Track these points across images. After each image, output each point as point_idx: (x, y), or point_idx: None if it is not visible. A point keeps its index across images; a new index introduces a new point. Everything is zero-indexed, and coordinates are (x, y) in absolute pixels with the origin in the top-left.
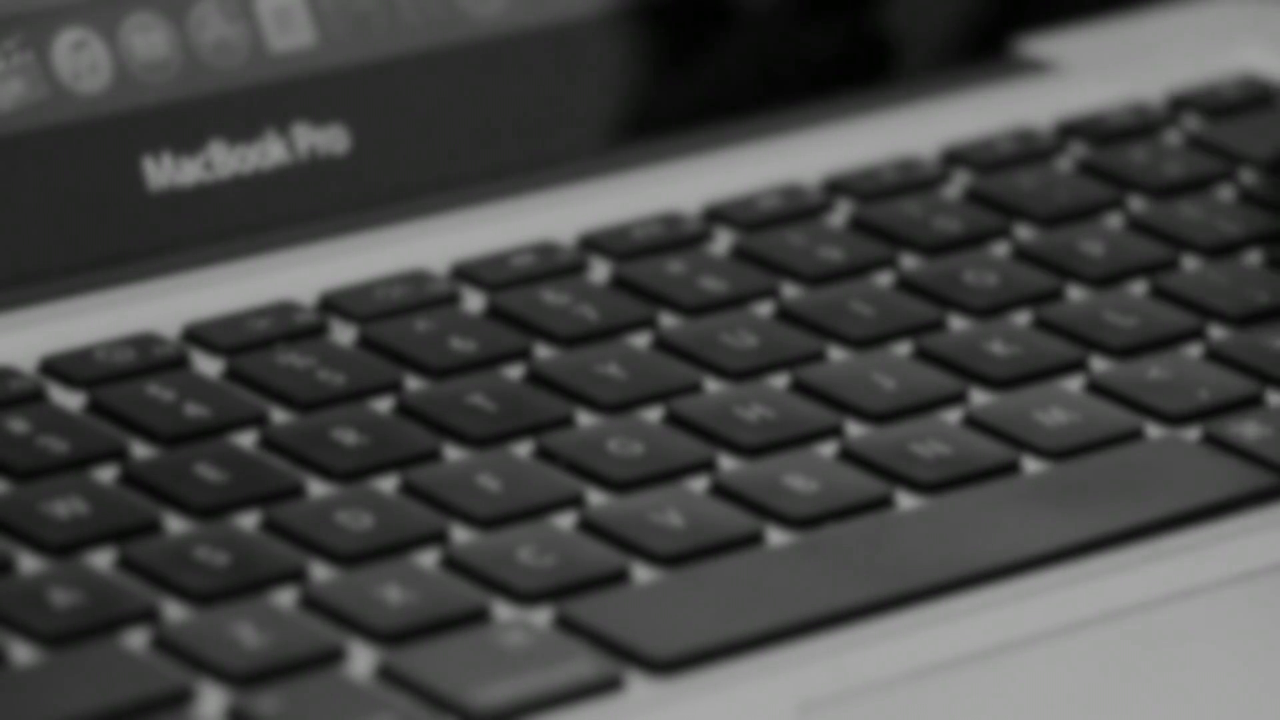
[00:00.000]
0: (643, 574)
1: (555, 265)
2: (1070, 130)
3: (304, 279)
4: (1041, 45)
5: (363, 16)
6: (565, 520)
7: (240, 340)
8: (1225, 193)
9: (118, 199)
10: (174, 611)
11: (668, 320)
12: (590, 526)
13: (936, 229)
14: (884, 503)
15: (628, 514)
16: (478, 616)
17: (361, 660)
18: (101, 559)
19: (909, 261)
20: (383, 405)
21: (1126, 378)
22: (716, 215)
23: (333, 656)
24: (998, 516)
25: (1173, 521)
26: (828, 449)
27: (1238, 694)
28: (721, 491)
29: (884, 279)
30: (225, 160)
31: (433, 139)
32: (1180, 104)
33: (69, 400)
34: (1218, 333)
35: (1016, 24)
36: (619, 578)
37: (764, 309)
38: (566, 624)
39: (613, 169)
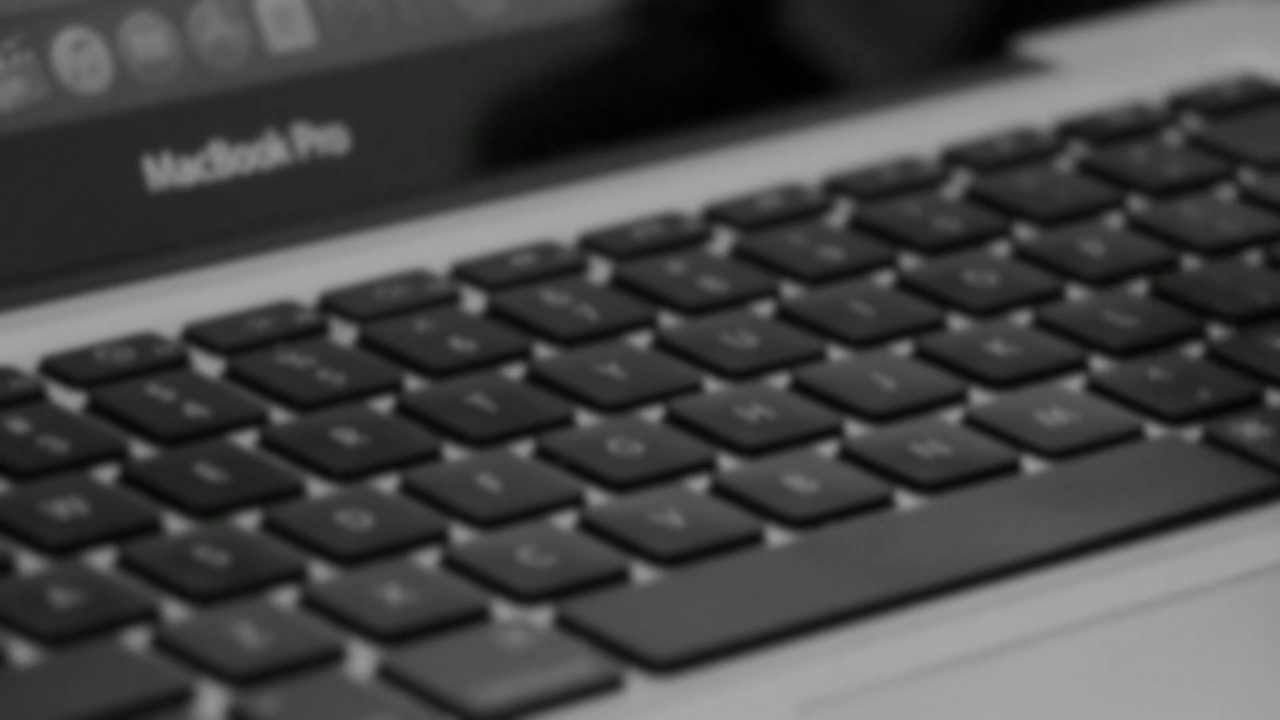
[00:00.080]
0: (643, 574)
1: (555, 265)
2: (1070, 130)
3: (304, 279)
4: (1041, 45)
5: (363, 16)
6: (565, 520)
7: (240, 340)
8: (1225, 193)
9: (118, 199)
10: (174, 611)
11: (668, 320)
12: (590, 526)
13: (936, 229)
14: (884, 503)
15: (628, 514)
16: (478, 616)
17: (361, 660)
18: (101, 559)
19: (909, 261)
20: (383, 405)
21: (1126, 378)
22: (716, 215)
23: (333, 656)
24: (998, 516)
25: (1173, 521)
26: (828, 449)
27: (1238, 694)
28: (721, 491)
29: (884, 279)
30: (225, 160)
31: (433, 139)
32: (1180, 104)
33: (69, 400)
34: (1218, 333)
35: (1016, 24)
36: (619, 578)
37: (764, 309)
38: (566, 624)
39: (613, 169)
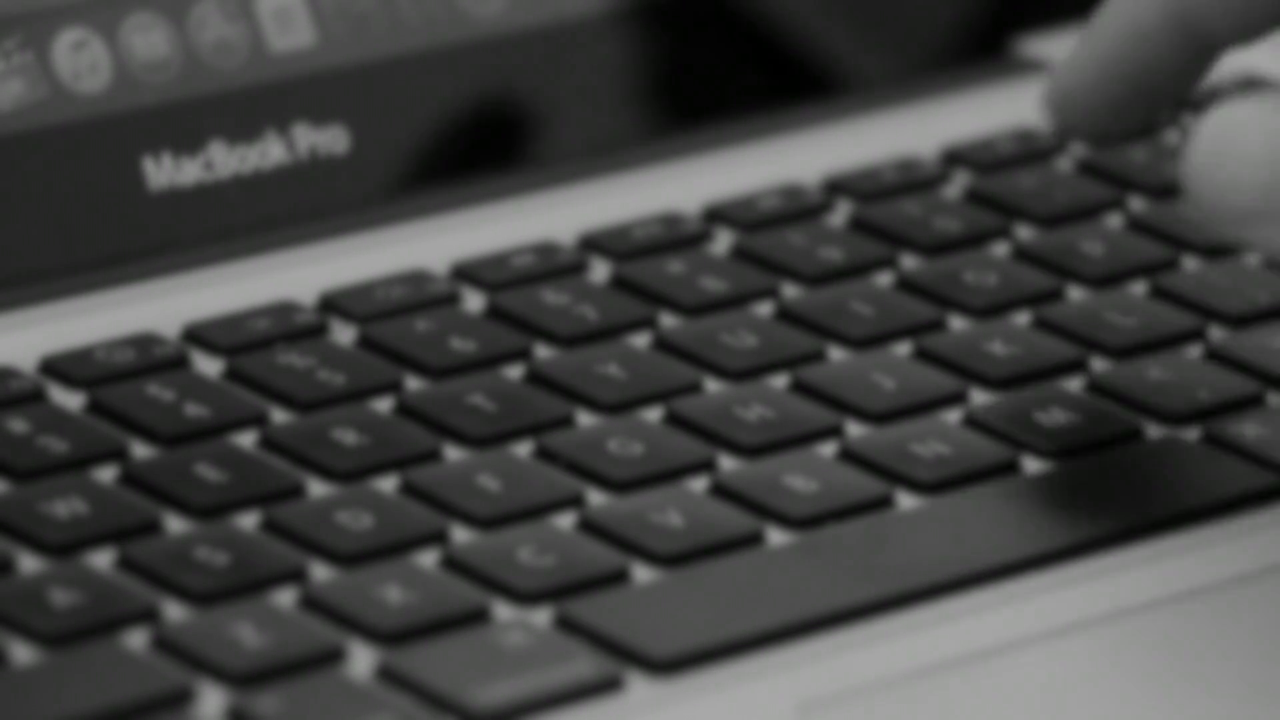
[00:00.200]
0: (643, 574)
1: (555, 265)
2: None
3: (304, 279)
4: (1041, 45)
5: (363, 16)
6: (565, 520)
7: (240, 340)
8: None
9: (118, 199)
10: (174, 611)
11: (668, 320)
12: (590, 526)
13: (936, 229)
14: (884, 503)
15: (628, 514)
16: (478, 616)
17: (361, 660)
18: (101, 559)
19: (909, 261)
20: (383, 405)
21: (1126, 378)
22: (716, 215)
23: (333, 656)
24: (998, 516)
25: (1173, 521)
26: (828, 449)
27: (1238, 695)
28: (721, 491)
29: (884, 279)
30: (225, 160)
31: (433, 139)
32: (1180, 104)
33: (69, 400)
34: (1218, 333)
35: (1016, 24)
36: (619, 578)
37: (764, 309)
38: (566, 624)
39: (613, 169)
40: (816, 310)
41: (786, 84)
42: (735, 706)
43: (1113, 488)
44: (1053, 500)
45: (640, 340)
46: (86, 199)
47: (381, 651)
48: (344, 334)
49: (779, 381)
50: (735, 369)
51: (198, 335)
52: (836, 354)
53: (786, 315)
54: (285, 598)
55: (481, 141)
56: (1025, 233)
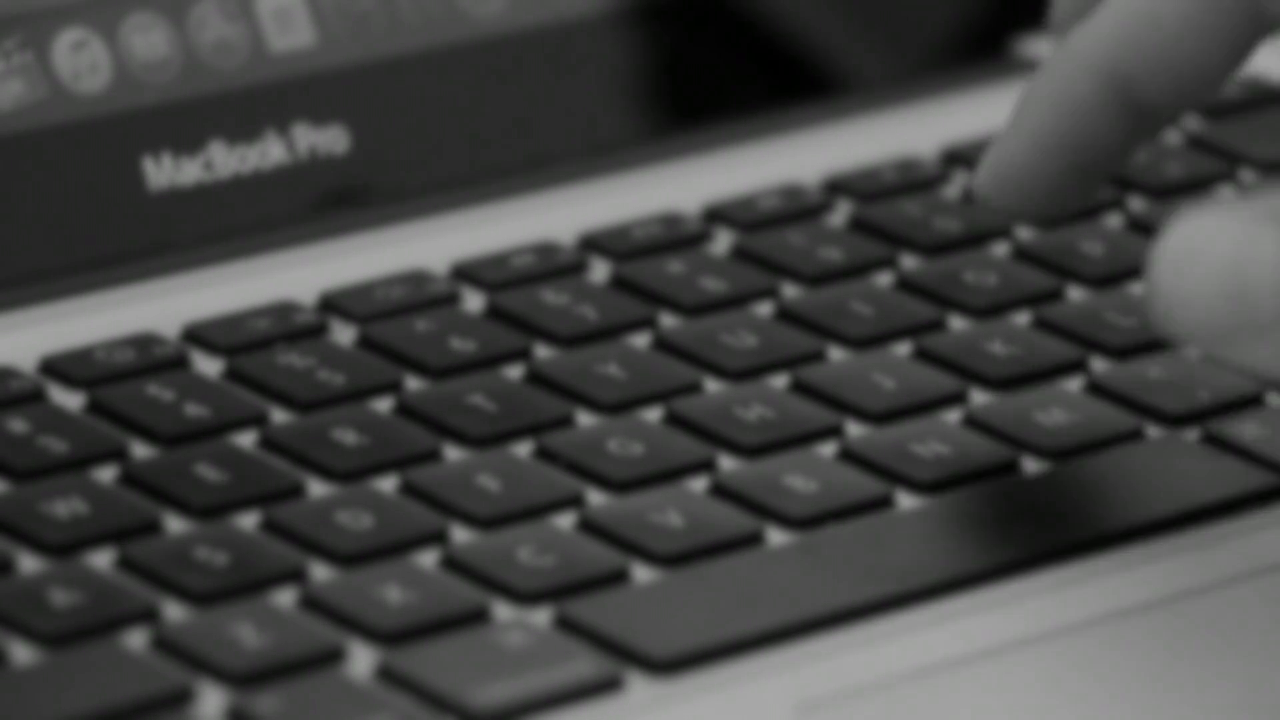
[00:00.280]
0: (643, 574)
1: (555, 265)
2: None
3: (304, 279)
4: (1042, 45)
5: (363, 16)
6: (565, 520)
7: (240, 340)
8: (1225, 193)
9: (118, 199)
10: (174, 611)
11: (668, 320)
12: (590, 526)
13: (936, 229)
14: (884, 503)
15: (628, 514)
16: (478, 616)
17: (361, 660)
18: (101, 559)
19: (909, 261)
20: (383, 405)
21: (1126, 378)
22: (716, 215)
23: (333, 656)
24: (998, 517)
25: (1173, 521)
26: (828, 449)
27: (1239, 693)
28: (721, 491)
29: (884, 279)
30: (225, 160)
31: (433, 139)
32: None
33: (69, 400)
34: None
35: (1016, 24)
36: (619, 578)
37: (764, 309)
38: (566, 624)
39: (613, 169)
40: (816, 310)
41: (786, 84)
42: (735, 706)
43: (1112, 488)
44: (1052, 500)
45: (640, 340)
46: (86, 199)
47: (381, 651)
48: (344, 334)
49: (779, 381)
50: (735, 369)
51: (198, 335)
52: (836, 354)
53: (786, 315)
54: (285, 598)
55: (481, 142)
56: (1025, 233)
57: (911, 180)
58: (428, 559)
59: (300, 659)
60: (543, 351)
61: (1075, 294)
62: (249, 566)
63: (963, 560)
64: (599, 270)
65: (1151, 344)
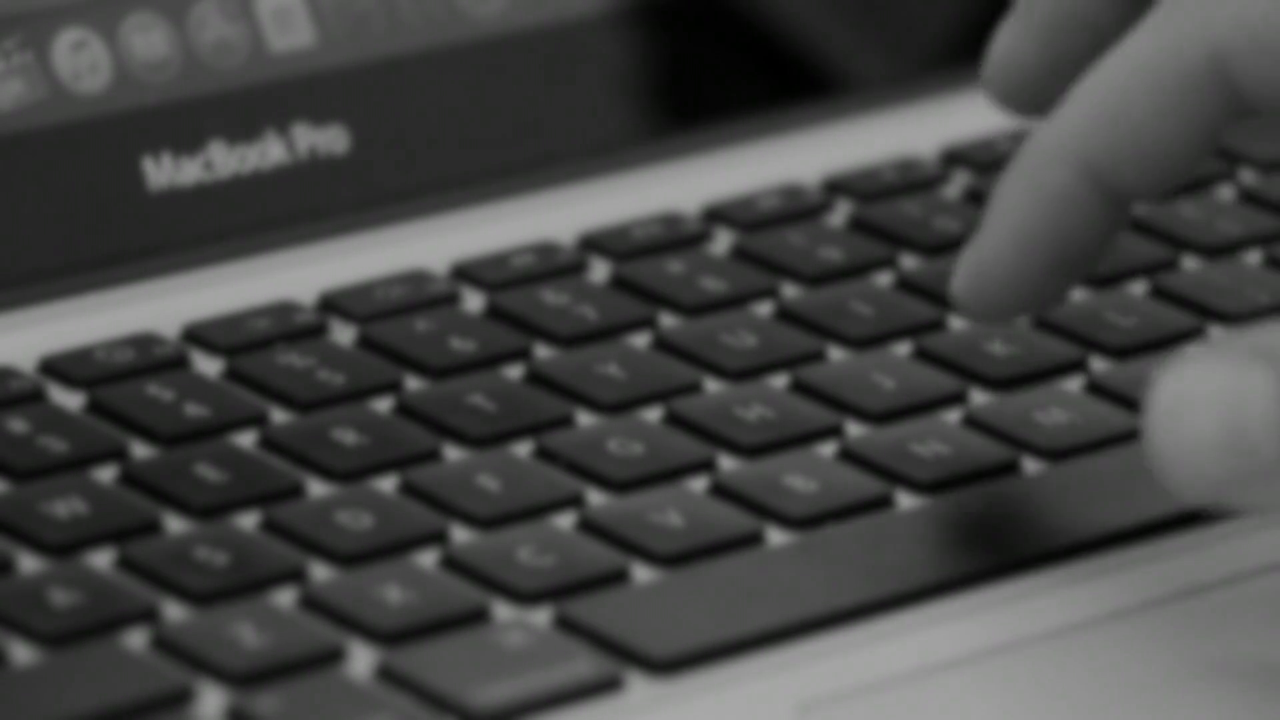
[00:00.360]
0: (643, 574)
1: (555, 265)
2: None
3: (304, 279)
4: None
5: (363, 16)
6: (565, 520)
7: (240, 340)
8: (1225, 193)
9: (118, 199)
10: (174, 611)
11: (668, 320)
12: (590, 526)
13: (936, 229)
14: (884, 503)
15: (628, 514)
16: (477, 616)
17: (361, 660)
18: (101, 559)
19: (909, 261)
20: (383, 405)
21: (1126, 378)
22: (716, 215)
23: (333, 656)
24: (997, 517)
25: (1173, 522)
26: (828, 449)
27: (1243, 691)
28: (721, 491)
29: (884, 279)
30: (225, 160)
31: (433, 139)
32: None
33: (69, 400)
34: (1218, 333)
35: None
36: (619, 578)
37: (764, 309)
38: (566, 624)
39: (613, 169)
40: (816, 310)
41: (786, 84)
42: (735, 706)
43: (1113, 488)
44: (1052, 500)
45: (640, 340)
46: (86, 199)
47: (381, 651)
48: (344, 334)
49: (779, 381)
50: (735, 369)
51: (198, 335)
52: (836, 354)
53: (786, 315)
54: (285, 598)
55: (482, 141)
56: None
57: (911, 180)
58: (428, 559)
59: (300, 659)
60: (543, 351)
61: (1075, 294)
62: (249, 566)
63: (963, 560)
64: (599, 270)
65: (1151, 344)
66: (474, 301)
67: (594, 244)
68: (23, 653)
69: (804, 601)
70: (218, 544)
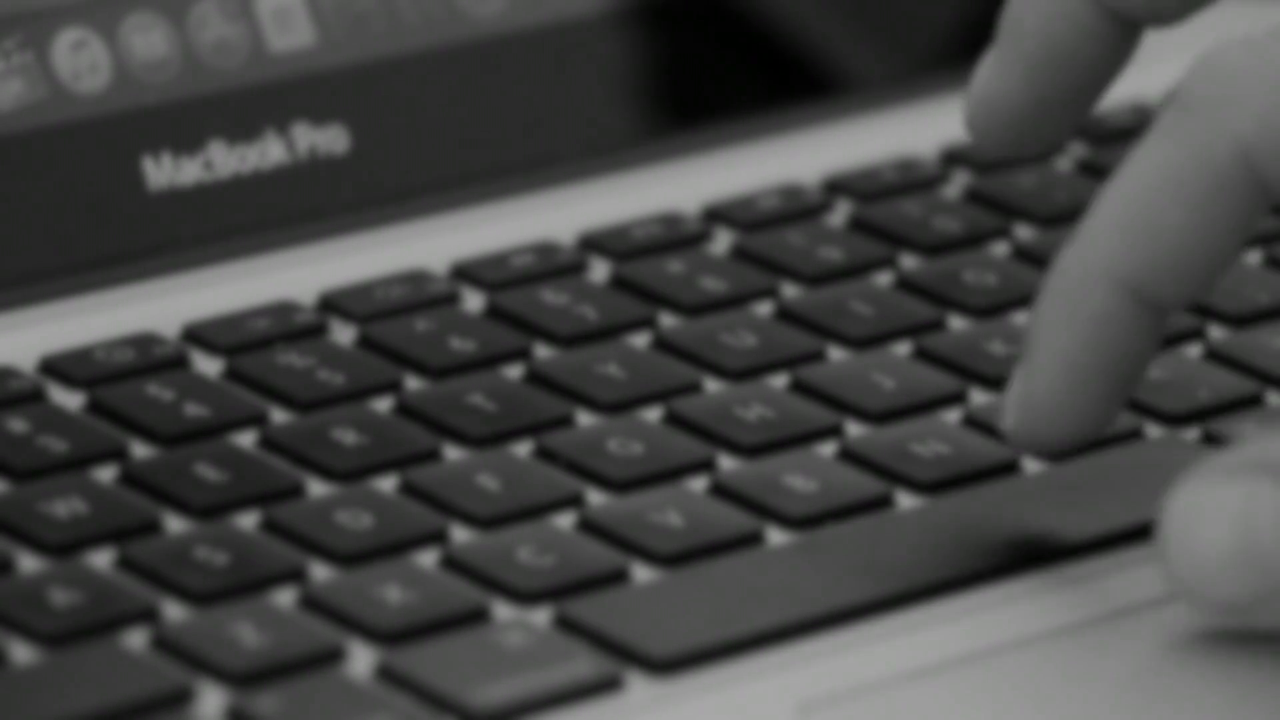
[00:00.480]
0: (642, 574)
1: (555, 265)
2: None
3: (304, 279)
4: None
5: (363, 16)
6: (565, 520)
7: (240, 340)
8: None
9: (118, 199)
10: (174, 611)
11: (667, 320)
12: (590, 526)
13: (936, 229)
14: (884, 503)
15: (627, 514)
16: (477, 616)
17: (361, 660)
18: (101, 559)
19: (909, 261)
20: (383, 405)
21: None
22: (716, 215)
23: (332, 656)
24: (997, 516)
25: None
26: (828, 449)
27: (1240, 692)
28: (721, 491)
29: (884, 279)
30: (225, 160)
31: (433, 139)
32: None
33: (69, 400)
34: (1217, 333)
35: None
36: (619, 578)
37: (764, 309)
38: (566, 624)
39: (613, 169)
40: (816, 310)
41: (786, 84)
42: (735, 706)
43: (1114, 488)
44: (1053, 500)
45: (640, 340)
46: (86, 199)
47: (381, 651)
48: (344, 334)
49: (779, 381)
50: (735, 369)
51: (197, 335)
52: (836, 354)
53: (786, 315)
54: (285, 598)
55: (481, 142)
56: (1025, 233)
57: (911, 180)
58: (428, 559)
59: (300, 659)
60: (543, 351)
61: None
62: (249, 566)
63: (963, 560)
64: (599, 270)
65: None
66: (474, 301)
67: (594, 244)
68: (23, 653)
69: (804, 601)
70: (218, 544)
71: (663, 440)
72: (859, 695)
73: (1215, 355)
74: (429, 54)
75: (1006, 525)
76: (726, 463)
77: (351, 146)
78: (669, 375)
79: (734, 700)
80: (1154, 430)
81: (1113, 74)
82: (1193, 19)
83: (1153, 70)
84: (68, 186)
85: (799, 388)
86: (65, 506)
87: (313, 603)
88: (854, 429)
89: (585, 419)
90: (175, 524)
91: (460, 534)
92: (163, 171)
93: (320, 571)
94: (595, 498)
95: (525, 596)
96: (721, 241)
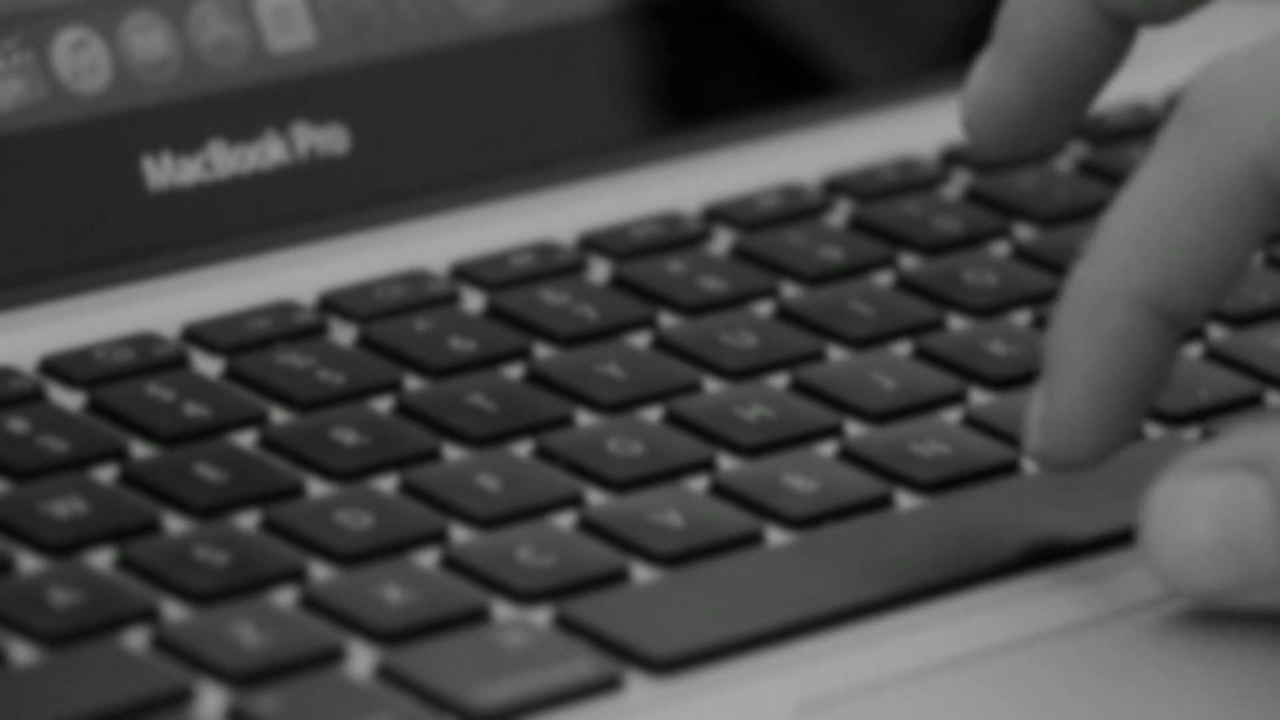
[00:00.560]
0: (642, 574)
1: (555, 265)
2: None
3: (304, 279)
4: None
5: (363, 16)
6: (565, 520)
7: (240, 340)
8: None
9: (118, 199)
10: (174, 611)
11: (667, 320)
12: (590, 526)
13: (936, 229)
14: (884, 503)
15: (627, 514)
16: (477, 616)
17: (361, 660)
18: (101, 559)
19: (909, 261)
20: (383, 405)
21: None
22: (716, 215)
23: (332, 656)
24: (997, 516)
25: None
26: (827, 449)
27: (1241, 692)
28: (721, 491)
29: (884, 279)
30: (225, 160)
31: (433, 139)
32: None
33: (69, 400)
34: (1218, 333)
35: None
36: (619, 578)
37: (764, 309)
38: (566, 624)
39: (613, 169)
40: (816, 310)
41: (786, 84)
42: (735, 706)
43: (1114, 488)
44: (1053, 500)
45: (640, 340)
46: (86, 199)
47: (381, 651)
48: (344, 334)
49: (779, 381)
50: (735, 369)
51: (197, 335)
52: (836, 354)
53: (786, 315)
54: (285, 597)
55: (481, 142)
56: (1025, 233)
57: (911, 180)
58: (427, 559)
59: (300, 659)
60: (543, 351)
61: None
62: (249, 566)
63: (963, 560)
64: (599, 270)
65: None
66: (474, 301)
67: (594, 244)
68: (23, 653)
69: (804, 601)
70: (218, 544)
71: (663, 440)
72: (859, 695)
73: (1215, 355)
74: (429, 54)
75: (1006, 525)
76: (726, 463)
77: (351, 146)
78: (669, 375)
79: (734, 700)
80: (1154, 430)
81: (1109, 73)
82: (1189, 18)
83: (1151, 70)
84: (68, 186)
85: (799, 388)
86: (65, 506)
87: (313, 603)
88: (854, 429)
89: (585, 419)
90: (175, 524)
91: (460, 534)
92: (163, 171)
93: (320, 571)
94: (595, 498)
95: (525, 596)
96: (721, 241)
